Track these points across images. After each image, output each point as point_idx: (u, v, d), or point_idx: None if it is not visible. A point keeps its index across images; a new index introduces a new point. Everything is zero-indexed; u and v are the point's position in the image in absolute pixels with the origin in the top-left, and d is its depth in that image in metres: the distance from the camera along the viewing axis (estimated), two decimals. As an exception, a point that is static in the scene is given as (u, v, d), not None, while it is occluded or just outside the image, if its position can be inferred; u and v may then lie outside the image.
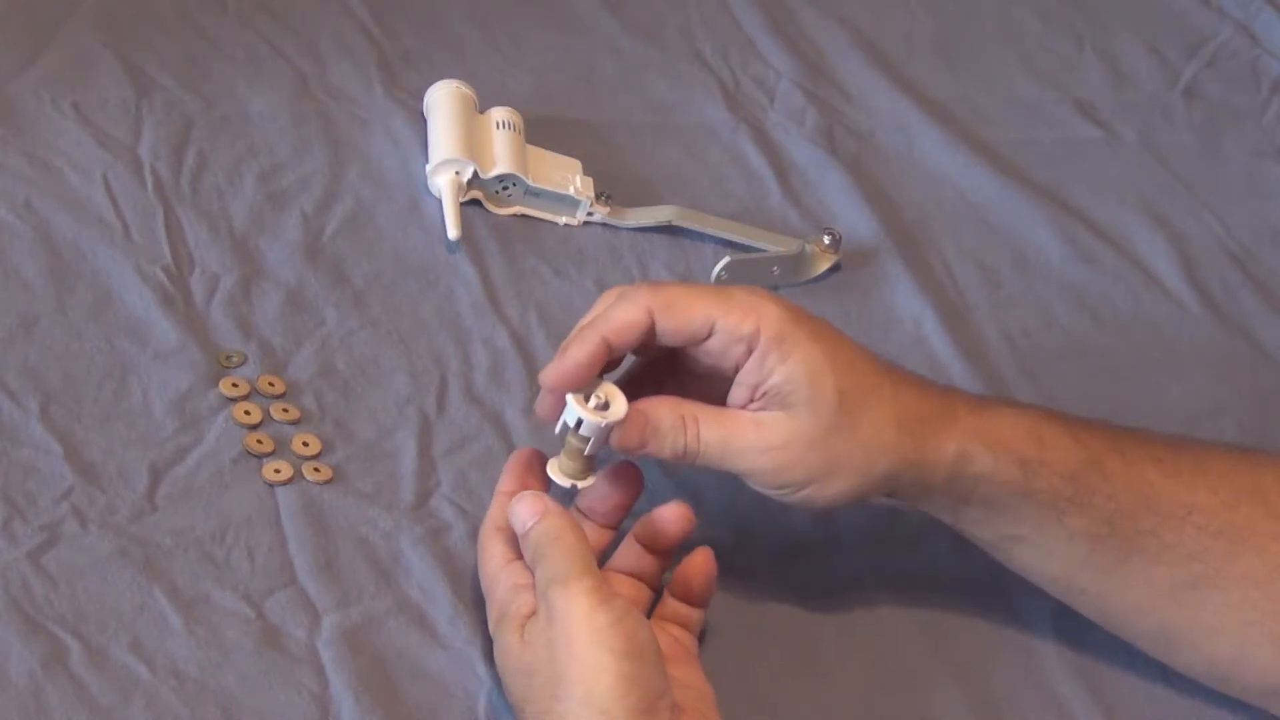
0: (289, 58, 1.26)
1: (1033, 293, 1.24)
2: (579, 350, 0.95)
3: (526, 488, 0.97)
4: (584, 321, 0.96)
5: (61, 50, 1.22)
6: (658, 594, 0.99)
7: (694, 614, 0.98)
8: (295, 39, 1.27)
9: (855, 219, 1.25)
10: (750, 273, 1.19)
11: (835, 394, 0.94)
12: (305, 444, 1.04)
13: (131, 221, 1.13)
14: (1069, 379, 1.18)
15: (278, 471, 1.03)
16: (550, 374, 0.95)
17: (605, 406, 0.95)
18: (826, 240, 1.21)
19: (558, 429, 0.96)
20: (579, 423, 0.95)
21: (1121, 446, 0.99)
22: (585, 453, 0.95)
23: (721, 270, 1.18)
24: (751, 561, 1.04)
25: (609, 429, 0.95)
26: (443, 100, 1.22)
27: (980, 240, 1.26)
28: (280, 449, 1.04)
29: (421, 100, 1.23)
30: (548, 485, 0.98)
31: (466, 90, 1.23)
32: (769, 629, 1.02)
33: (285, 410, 1.06)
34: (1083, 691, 1.02)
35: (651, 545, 0.98)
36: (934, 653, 1.03)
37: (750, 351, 0.94)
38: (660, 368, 0.99)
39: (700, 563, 0.98)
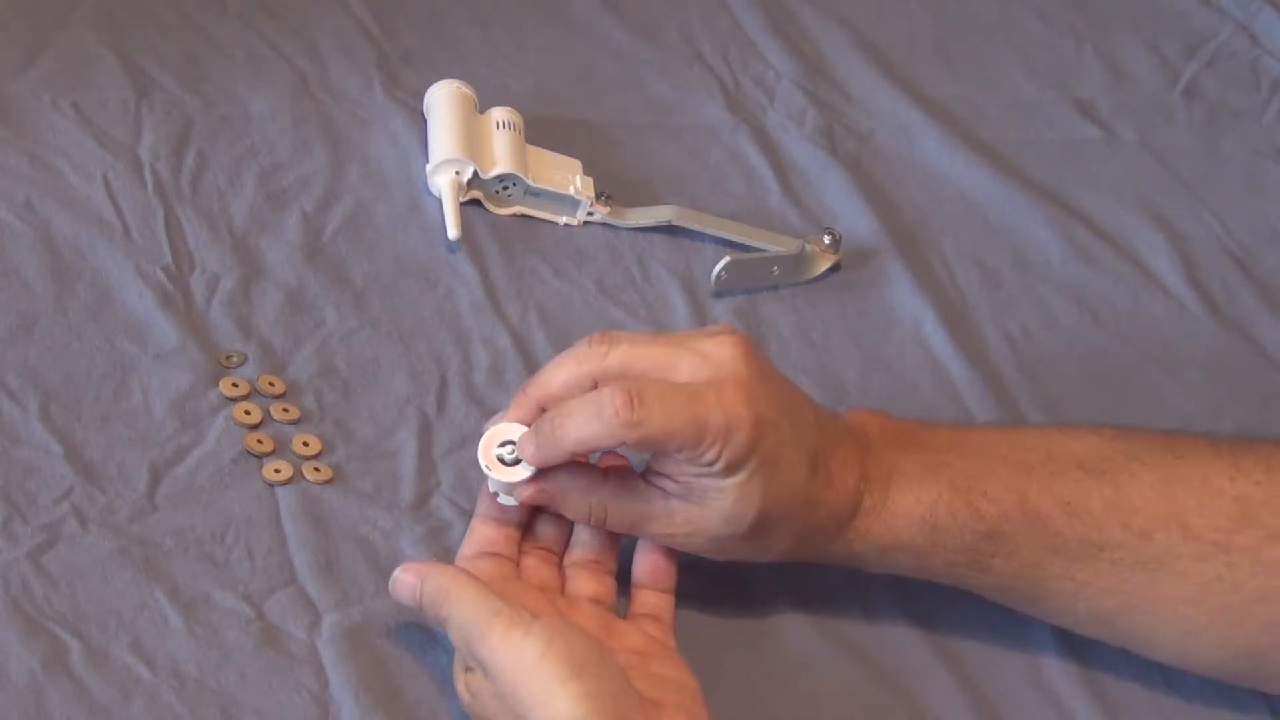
0: (289, 58, 1.26)
1: (1033, 293, 1.23)
2: (553, 457, 0.95)
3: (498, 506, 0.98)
4: (564, 386, 0.96)
5: (61, 50, 1.22)
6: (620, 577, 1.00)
7: (664, 601, 0.99)
8: (295, 39, 1.27)
9: (855, 219, 1.25)
10: (750, 273, 1.19)
11: (754, 519, 0.95)
12: (305, 444, 1.04)
13: (131, 221, 1.13)
14: (1069, 379, 1.18)
15: (278, 471, 1.03)
16: (534, 457, 0.95)
17: (518, 463, 0.96)
18: (826, 240, 1.21)
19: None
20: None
21: (1027, 499, 0.98)
22: (494, 494, 0.97)
23: (721, 270, 1.18)
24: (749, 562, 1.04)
25: (508, 486, 0.96)
26: (443, 100, 1.22)
27: (980, 240, 1.26)
28: (280, 449, 1.04)
29: (421, 100, 1.23)
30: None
31: (466, 90, 1.23)
32: (767, 629, 1.02)
33: (285, 410, 1.06)
34: (1083, 692, 1.02)
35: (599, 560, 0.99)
36: (934, 653, 1.03)
37: (701, 465, 0.94)
38: None
39: (653, 562, 0.99)
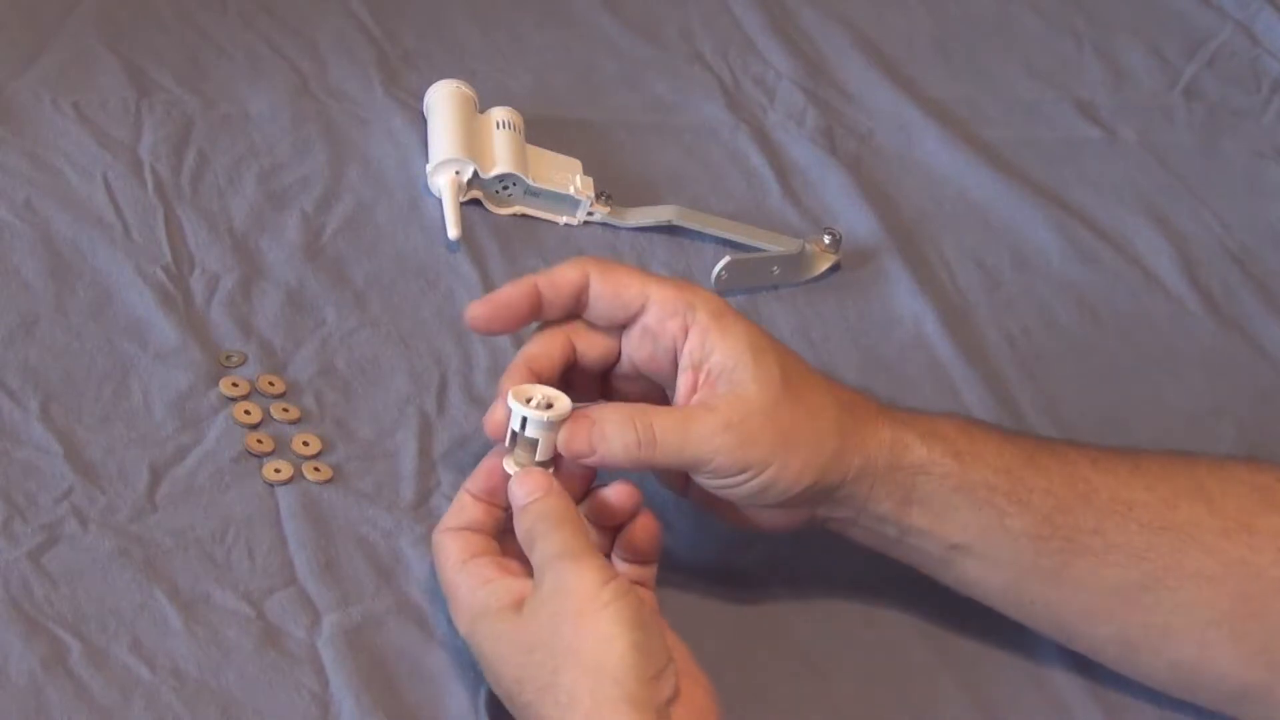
0: (289, 58, 1.26)
1: (1033, 293, 1.24)
2: (508, 290, 0.96)
3: (495, 488, 0.97)
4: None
5: (61, 50, 1.23)
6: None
7: (647, 572, 0.98)
8: (295, 39, 1.27)
9: (855, 219, 1.25)
10: (750, 273, 1.19)
11: (778, 368, 0.95)
12: (305, 444, 1.04)
13: (131, 221, 1.13)
14: (1069, 379, 1.18)
15: (278, 471, 1.03)
16: (474, 307, 0.96)
17: (549, 408, 0.95)
18: (826, 240, 1.21)
19: (506, 439, 0.96)
20: (523, 424, 0.95)
21: (1053, 446, 1.00)
22: (536, 459, 0.95)
23: (721, 270, 1.18)
24: (751, 561, 1.04)
25: (553, 425, 0.94)
26: (443, 100, 1.22)
27: (980, 240, 1.26)
28: (280, 449, 1.04)
29: (421, 100, 1.23)
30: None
31: (466, 90, 1.23)
32: (769, 629, 1.02)
33: (285, 410, 1.06)
34: (1084, 692, 1.02)
35: (598, 521, 0.98)
36: (934, 653, 1.03)
37: (686, 330, 0.96)
38: (595, 390, 1.00)
39: (644, 526, 0.98)
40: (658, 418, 0.95)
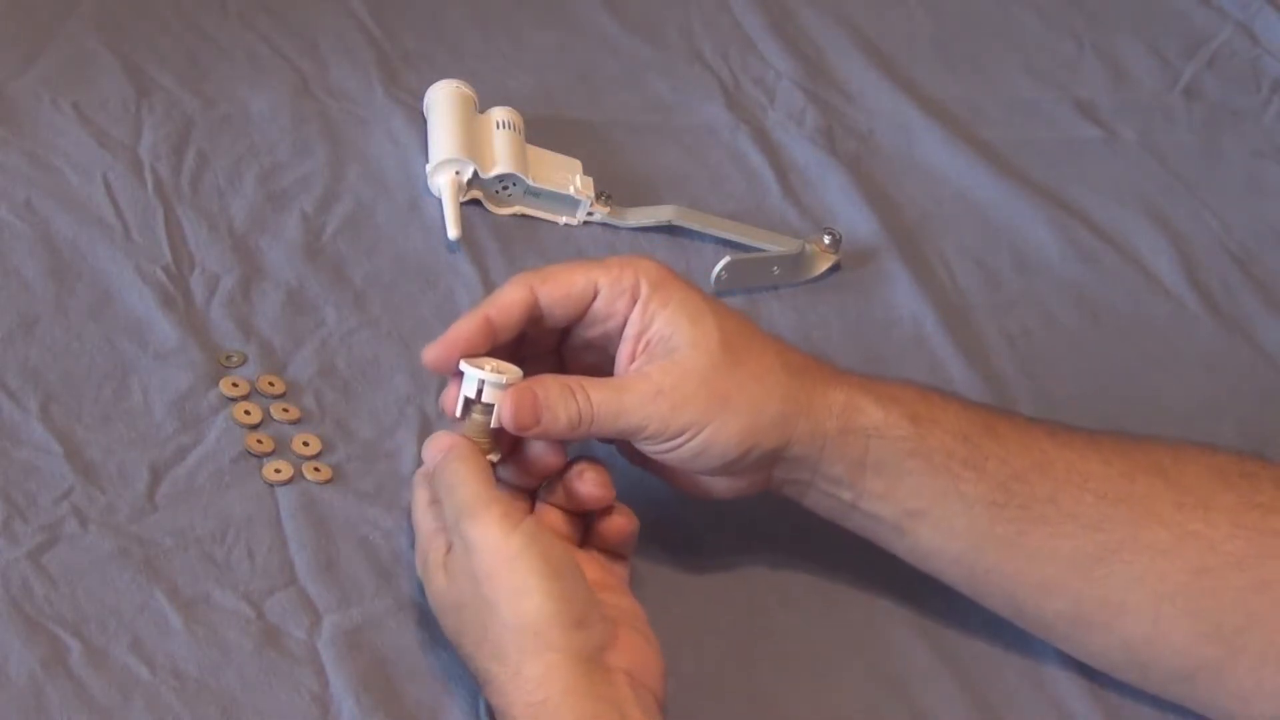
0: (289, 58, 1.26)
1: (1033, 293, 1.24)
2: (461, 325, 0.96)
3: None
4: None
5: (61, 50, 1.23)
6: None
7: (621, 569, 0.99)
8: (295, 39, 1.28)
9: (855, 219, 1.25)
10: (750, 273, 1.19)
11: (717, 331, 0.96)
12: (305, 444, 1.04)
13: (131, 221, 1.13)
14: (1069, 379, 1.18)
15: (278, 471, 1.03)
16: (431, 349, 0.97)
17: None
18: (826, 240, 1.21)
19: (458, 410, 0.96)
20: (478, 392, 0.95)
21: (1011, 417, 1.00)
22: (492, 424, 0.95)
23: (721, 270, 1.18)
24: (751, 560, 1.04)
25: (510, 386, 0.95)
26: (443, 100, 1.22)
27: (980, 240, 1.26)
28: (280, 449, 1.04)
29: (421, 100, 1.24)
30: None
31: (466, 90, 1.23)
32: (769, 629, 1.02)
33: (285, 410, 1.06)
34: (1084, 693, 1.02)
35: (566, 507, 0.98)
36: (934, 653, 1.03)
37: (634, 302, 0.97)
38: (545, 365, 1.00)
39: (616, 525, 0.98)
40: (594, 389, 0.96)
